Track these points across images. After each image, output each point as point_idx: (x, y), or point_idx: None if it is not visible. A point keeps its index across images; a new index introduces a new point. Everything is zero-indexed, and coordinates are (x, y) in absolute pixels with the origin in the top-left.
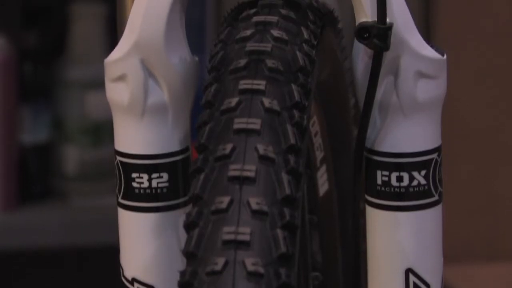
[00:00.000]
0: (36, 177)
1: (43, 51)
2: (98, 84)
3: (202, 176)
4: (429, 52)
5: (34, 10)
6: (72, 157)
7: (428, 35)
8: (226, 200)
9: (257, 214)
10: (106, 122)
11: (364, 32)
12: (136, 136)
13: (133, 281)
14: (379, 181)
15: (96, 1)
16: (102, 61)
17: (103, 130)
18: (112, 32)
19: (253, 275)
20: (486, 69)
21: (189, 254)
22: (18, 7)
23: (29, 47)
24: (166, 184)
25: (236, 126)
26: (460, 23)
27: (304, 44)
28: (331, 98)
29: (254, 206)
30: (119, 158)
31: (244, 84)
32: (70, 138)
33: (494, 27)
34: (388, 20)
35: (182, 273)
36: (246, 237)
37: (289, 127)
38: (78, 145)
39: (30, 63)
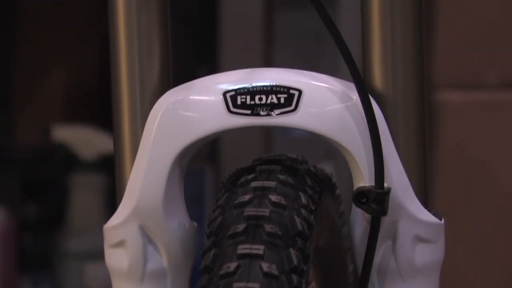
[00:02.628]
0: None
1: (43, 222)
2: (97, 255)
3: None
4: (427, 216)
5: (33, 182)
6: None
7: (425, 200)
8: None
9: None
10: None
11: (362, 197)
12: None
13: None
14: None
15: (94, 172)
16: (101, 232)
17: None
18: (111, 202)
19: None
20: (486, 236)
21: None
22: (18, 179)
23: (28, 218)
24: None
25: None
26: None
27: (302, 209)
28: (330, 263)
29: None
30: None
31: (242, 248)
32: None
33: (494, 195)
34: (385, 185)
35: None
36: None
37: None
38: None
39: (29, 234)
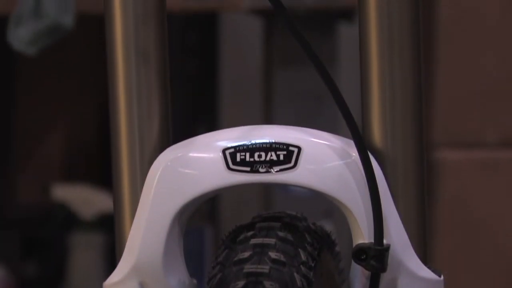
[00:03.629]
0: None
1: (43, 281)
2: None
3: None
4: (426, 273)
5: (33, 241)
6: None
7: (425, 257)
8: None
9: None
10: None
11: (361, 254)
12: None
13: None
14: None
15: (94, 231)
16: None
17: None
18: (111, 261)
19: None
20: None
21: None
22: (17, 237)
23: (28, 277)
24: None
25: None
26: (459, 246)
27: (301, 266)
28: None
29: None
30: None
31: None
32: None
33: (494, 253)
34: (385, 241)
35: None
36: None
37: None
38: None
39: None
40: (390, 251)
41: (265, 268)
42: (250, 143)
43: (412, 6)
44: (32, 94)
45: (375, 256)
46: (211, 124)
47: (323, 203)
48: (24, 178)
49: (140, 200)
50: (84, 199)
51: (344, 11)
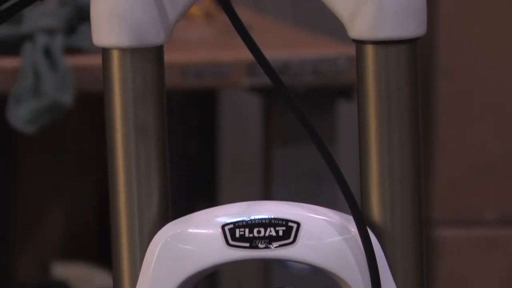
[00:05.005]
0: None
1: None
2: None
3: None
4: None
5: None
6: None
7: None
8: None
9: None
10: None
11: None
12: None
13: None
14: None
15: None
16: None
17: None
18: None
19: None
20: None
21: None
22: None
23: None
24: None
25: None
26: None
27: None
28: None
29: None
30: None
31: None
32: None
33: None
34: None
35: None
36: None
37: None
38: None
39: None
40: None
41: None
42: (249, 219)
43: (411, 84)
44: (31, 171)
45: None
46: (210, 200)
47: (323, 279)
48: (23, 257)
49: (139, 276)
50: (84, 278)
51: (343, 88)
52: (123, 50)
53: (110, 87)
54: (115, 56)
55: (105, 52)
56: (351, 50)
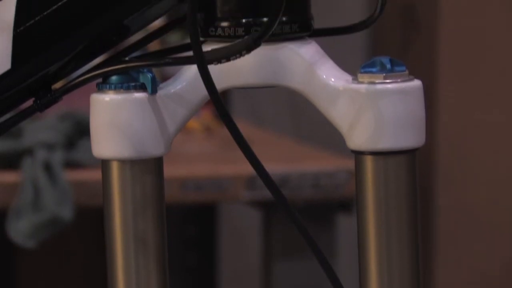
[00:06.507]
0: None
1: None
2: None
3: None
4: None
5: None
6: None
7: None
8: None
9: None
10: None
11: None
12: None
13: None
14: None
15: None
16: None
17: None
18: None
19: None
20: None
21: None
22: None
23: None
24: None
25: None
26: None
27: None
28: None
29: None
30: None
31: None
32: None
33: None
34: None
35: None
36: None
37: None
38: None
39: None
40: None
41: None
42: None
43: (410, 195)
44: (32, 284)
45: None
46: None
47: None
48: None
49: None
50: None
51: (343, 202)
52: (122, 162)
53: (109, 198)
54: (115, 168)
55: (104, 164)
56: (351, 163)
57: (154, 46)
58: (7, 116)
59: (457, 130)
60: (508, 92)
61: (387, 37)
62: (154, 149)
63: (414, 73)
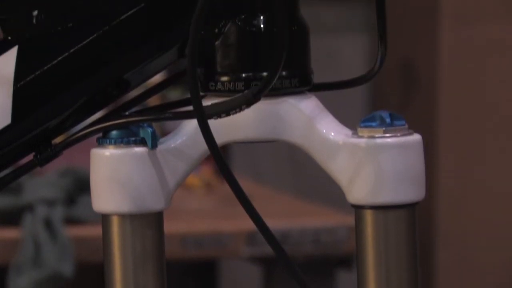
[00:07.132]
0: None
1: None
2: None
3: None
4: None
5: None
6: None
7: None
8: None
9: None
10: None
11: None
12: None
13: None
14: None
15: None
16: None
17: None
18: None
19: None
20: None
21: None
22: None
23: None
24: None
25: None
26: None
27: None
28: None
29: None
30: None
31: None
32: None
33: None
34: None
35: None
36: None
37: None
38: None
39: None
40: None
41: None
42: None
43: (409, 249)
44: None
45: None
46: None
47: None
48: None
49: None
50: None
51: (343, 258)
52: (122, 216)
53: (110, 252)
54: (115, 222)
55: (104, 218)
56: (351, 219)
57: (154, 101)
58: (7, 170)
59: (457, 185)
60: (508, 148)
61: (387, 92)
62: (154, 203)
63: (413, 128)
